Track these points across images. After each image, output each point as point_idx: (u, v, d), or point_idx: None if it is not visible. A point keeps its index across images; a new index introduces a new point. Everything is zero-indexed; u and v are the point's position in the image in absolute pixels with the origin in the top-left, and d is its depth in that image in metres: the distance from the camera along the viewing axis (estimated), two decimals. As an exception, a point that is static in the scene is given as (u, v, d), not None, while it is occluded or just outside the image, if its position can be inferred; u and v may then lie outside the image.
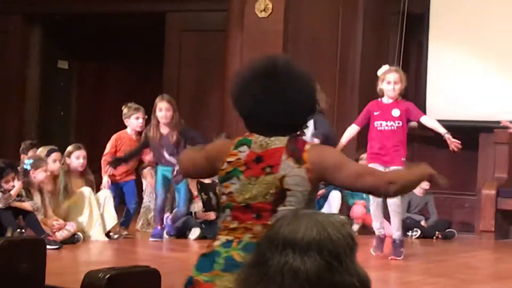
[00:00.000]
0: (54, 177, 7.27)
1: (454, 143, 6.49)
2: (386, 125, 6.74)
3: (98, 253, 6.97)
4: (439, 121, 6.93)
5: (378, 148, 6.72)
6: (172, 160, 7.38)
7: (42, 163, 7.00)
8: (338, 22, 9.56)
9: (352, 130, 6.88)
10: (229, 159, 3.07)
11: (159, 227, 7.60)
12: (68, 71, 12.19)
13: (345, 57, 9.60)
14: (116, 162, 7.53)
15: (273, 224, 1.92)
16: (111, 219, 7.42)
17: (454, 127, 7.42)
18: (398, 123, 6.73)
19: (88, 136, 11.06)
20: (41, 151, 7.50)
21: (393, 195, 3.32)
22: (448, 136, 6.57)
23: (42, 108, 11.67)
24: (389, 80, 6.76)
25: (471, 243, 8.63)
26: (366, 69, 9.63)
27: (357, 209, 8.82)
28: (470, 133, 8.70)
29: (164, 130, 7.48)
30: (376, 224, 6.82)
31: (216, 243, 3.05)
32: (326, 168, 3.02)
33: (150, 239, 7.48)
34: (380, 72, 6.87)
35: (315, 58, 9.15)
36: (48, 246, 5.51)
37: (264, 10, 9.34)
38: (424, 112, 7.50)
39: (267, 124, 3.08)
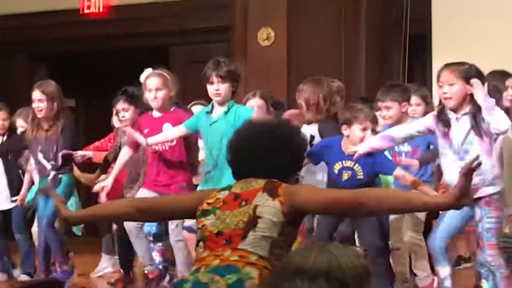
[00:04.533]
0: None
1: None
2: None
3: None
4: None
5: (155, 174, 5.62)
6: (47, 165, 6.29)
7: None
8: (341, 47, 9.59)
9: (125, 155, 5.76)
10: (209, 201, 3.21)
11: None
12: (75, 109, 12.24)
13: (350, 82, 9.60)
14: None
15: (287, 255, 1.93)
16: None
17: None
18: (171, 141, 5.60)
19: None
20: None
21: (369, 215, 3.26)
22: None
23: (51, 147, 11.71)
24: (150, 88, 5.68)
25: None
26: (371, 93, 9.63)
27: None
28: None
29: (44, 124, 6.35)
30: None
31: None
32: (297, 195, 3.12)
33: None
34: (142, 78, 5.78)
35: (320, 84, 9.18)
36: None
37: (266, 39, 9.38)
38: None
39: (250, 172, 3.26)
